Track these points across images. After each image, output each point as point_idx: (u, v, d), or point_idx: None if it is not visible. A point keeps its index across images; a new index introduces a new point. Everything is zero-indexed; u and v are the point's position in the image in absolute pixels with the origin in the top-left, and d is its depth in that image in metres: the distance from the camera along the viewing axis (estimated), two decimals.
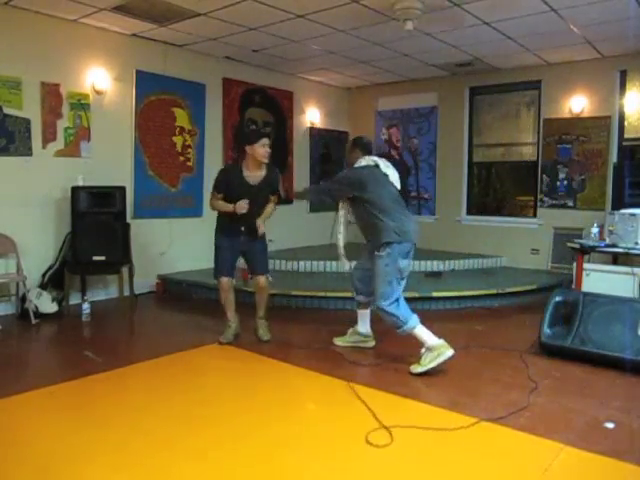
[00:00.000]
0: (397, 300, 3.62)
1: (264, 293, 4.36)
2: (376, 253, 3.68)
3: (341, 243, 4.02)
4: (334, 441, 2.61)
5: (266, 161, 4.11)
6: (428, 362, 3.50)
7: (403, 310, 3.61)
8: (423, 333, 3.57)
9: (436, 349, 3.51)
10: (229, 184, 4.12)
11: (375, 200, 3.69)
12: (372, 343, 4.14)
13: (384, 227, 3.65)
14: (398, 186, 3.87)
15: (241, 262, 4.86)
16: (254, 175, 4.11)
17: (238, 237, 4.20)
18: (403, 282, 3.71)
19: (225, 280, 4.28)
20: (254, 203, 4.06)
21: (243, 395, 3.20)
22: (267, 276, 4.32)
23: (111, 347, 4.25)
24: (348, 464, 2.40)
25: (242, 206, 3.99)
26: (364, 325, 4.15)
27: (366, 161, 3.85)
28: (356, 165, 3.86)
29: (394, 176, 3.86)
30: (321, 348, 4.10)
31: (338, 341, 4.21)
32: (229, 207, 4.07)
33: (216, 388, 3.36)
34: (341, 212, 4.01)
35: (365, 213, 3.75)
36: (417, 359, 3.55)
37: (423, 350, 3.55)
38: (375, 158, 3.88)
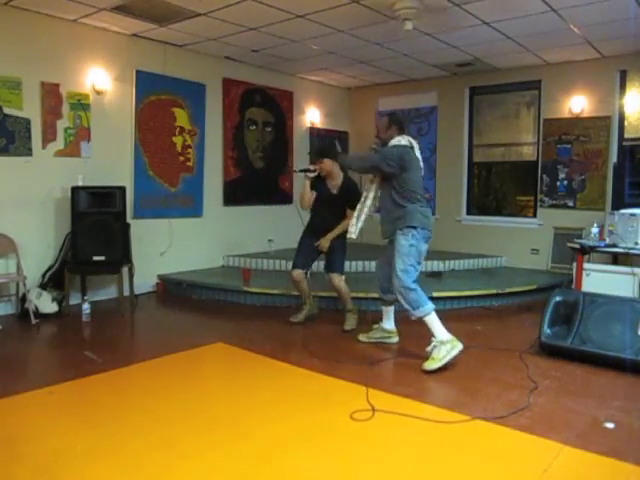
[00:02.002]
0: (416, 282, 3.66)
1: (337, 290, 4.65)
2: (399, 232, 3.68)
3: (363, 217, 3.98)
4: (334, 441, 2.61)
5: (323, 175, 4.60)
6: (443, 356, 3.49)
7: (421, 292, 3.65)
8: (436, 323, 3.59)
9: (449, 342, 3.54)
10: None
11: (408, 182, 3.70)
12: (396, 339, 4.18)
13: (412, 210, 3.69)
14: (422, 172, 3.91)
15: (242, 262, 4.89)
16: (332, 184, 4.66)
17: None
18: (419, 267, 3.76)
19: (294, 273, 4.69)
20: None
21: (243, 395, 3.20)
22: (337, 274, 4.60)
23: (111, 347, 4.25)
24: (348, 464, 2.40)
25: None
26: (389, 322, 4.19)
27: (405, 140, 3.77)
28: (396, 143, 3.75)
29: (421, 161, 3.88)
30: (321, 348, 4.10)
31: (363, 337, 4.24)
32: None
33: (216, 388, 3.36)
34: (374, 186, 3.97)
35: (396, 194, 3.73)
36: (428, 357, 3.55)
37: (432, 346, 3.56)
38: (410, 139, 3.82)
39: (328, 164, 4.52)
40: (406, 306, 3.66)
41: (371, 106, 8.54)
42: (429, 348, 3.60)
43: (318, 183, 4.63)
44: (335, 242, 4.57)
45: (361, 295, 5.14)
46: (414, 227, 3.68)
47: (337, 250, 4.59)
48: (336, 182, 4.61)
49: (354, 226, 4.00)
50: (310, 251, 4.68)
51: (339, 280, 4.61)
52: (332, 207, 4.60)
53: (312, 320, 4.86)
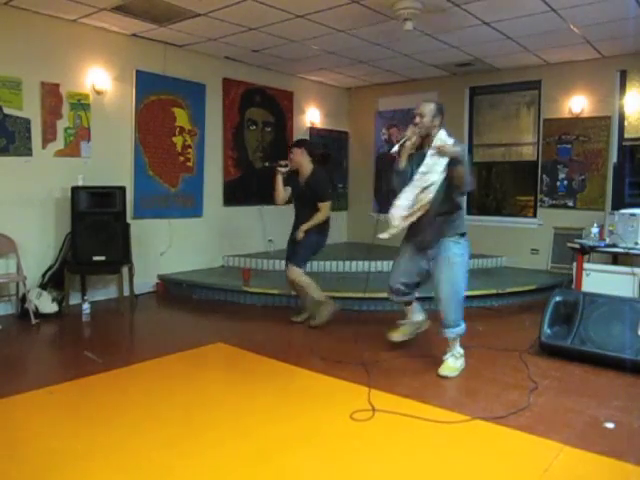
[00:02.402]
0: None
1: (291, 283, 4.72)
2: (450, 239, 3.45)
3: (418, 209, 3.34)
4: (334, 441, 2.61)
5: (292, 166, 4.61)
6: (460, 366, 3.57)
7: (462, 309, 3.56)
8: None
9: (462, 356, 3.62)
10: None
11: None
12: (427, 324, 4.06)
13: (462, 216, 3.60)
14: None
15: (242, 262, 4.92)
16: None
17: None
18: None
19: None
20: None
21: (243, 395, 3.20)
22: (292, 266, 4.63)
23: (111, 347, 4.24)
24: (348, 464, 2.40)
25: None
26: (418, 314, 3.98)
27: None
28: (451, 140, 3.34)
29: None
30: (322, 348, 4.10)
31: (395, 336, 3.96)
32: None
33: (216, 388, 3.36)
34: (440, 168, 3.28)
35: (453, 197, 3.41)
36: (445, 364, 3.56)
37: (451, 355, 3.55)
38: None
39: (297, 153, 4.57)
40: (449, 322, 3.49)
41: (371, 106, 8.54)
42: (448, 356, 3.57)
43: (292, 179, 4.66)
44: (307, 234, 4.56)
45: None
46: (464, 234, 3.53)
47: (301, 243, 4.58)
48: (305, 175, 4.62)
49: (399, 219, 3.35)
50: (290, 247, 4.78)
51: (293, 273, 4.58)
52: (303, 201, 4.63)
53: (303, 323, 4.80)
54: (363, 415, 2.85)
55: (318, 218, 4.52)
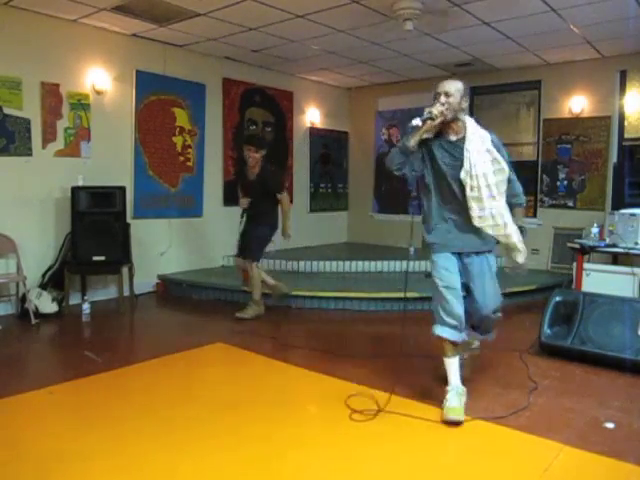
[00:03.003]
0: None
1: (249, 277, 4.93)
2: (487, 251, 3.00)
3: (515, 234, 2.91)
4: (334, 441, 2.61)
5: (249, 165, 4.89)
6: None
7: None
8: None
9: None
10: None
11: None
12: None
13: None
14: None
15: (242, 262, 4.95)
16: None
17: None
18: None
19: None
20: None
21: (243, 395, 3.20)
22: (248, 261, 4.84)
23: (111, 347, 4.24)
24: (348, 464, 2.40)
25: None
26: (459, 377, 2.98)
27: None
28: (482, 130, 2.91)
29: None
30: (321, 349, 4.10)
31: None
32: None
33: (216, 388, 3.36)
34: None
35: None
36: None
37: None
38: None
39: (258, 155, 4.84)
40: (489, 332, 3.18)
41: (371, 106, 8.54)
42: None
43: (242, 175, 5.08)
44: (254, 230, 4.79)
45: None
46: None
47: (256, 237, 4.79)
48: (256, 171, 4.87)
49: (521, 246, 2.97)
50: (244, 241, 4.96)
51: (253, 269, 4.79)
52: (254, 194, 4.84)
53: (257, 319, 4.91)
54: (363, 415, 2.85)
55: (286, 211, 4.78)
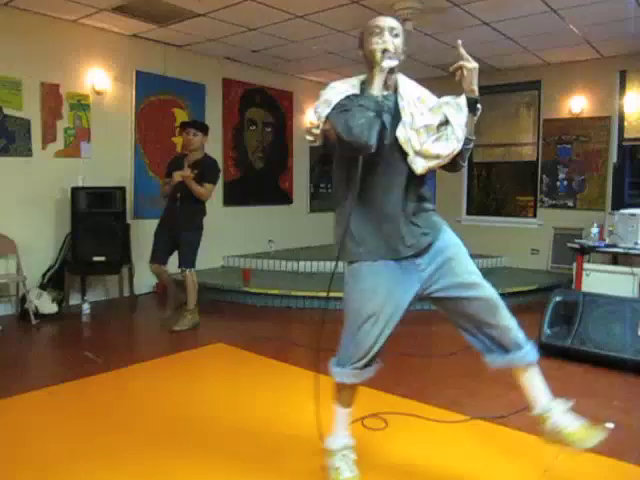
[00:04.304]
0: None
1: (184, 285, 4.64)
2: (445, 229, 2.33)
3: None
4: None
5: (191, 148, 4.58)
6: None
7: None
8: None
9: None
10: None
11: None
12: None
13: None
14: None
15: (242, 262, 4.92)
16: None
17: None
18: None
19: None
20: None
21: (244, 395, 3.20)
22: (183, 269, 4.59)
23: (111, 347, 4.24)
24: None
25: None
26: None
27: None
28: (421, 88, 2.36)
29: None
30: (321, 349, 4.09)
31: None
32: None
33: (216, 388, 3.36)
34: None
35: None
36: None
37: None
38: None
39: (200, 138, 4.60)
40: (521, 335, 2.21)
41: None
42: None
43: (176, 162, 4.66)
44: (184, 235, 4.61)
45: None
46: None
47: (189, 243, 4.64)
48: (196, 157, 4.61)
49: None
50: (168, 242, 4.71)
51: (189, 277, 4.60)
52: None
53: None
54: (363, 415, 2.85)
55: (199, 190, 4.46)
